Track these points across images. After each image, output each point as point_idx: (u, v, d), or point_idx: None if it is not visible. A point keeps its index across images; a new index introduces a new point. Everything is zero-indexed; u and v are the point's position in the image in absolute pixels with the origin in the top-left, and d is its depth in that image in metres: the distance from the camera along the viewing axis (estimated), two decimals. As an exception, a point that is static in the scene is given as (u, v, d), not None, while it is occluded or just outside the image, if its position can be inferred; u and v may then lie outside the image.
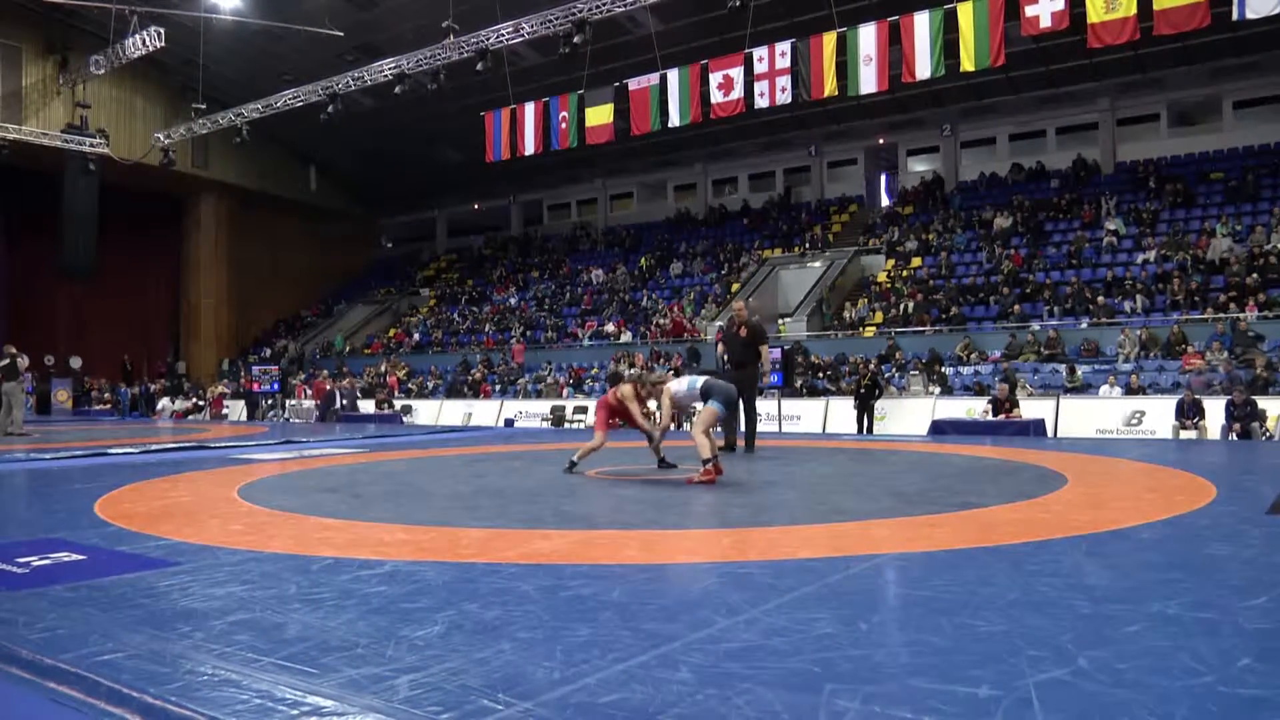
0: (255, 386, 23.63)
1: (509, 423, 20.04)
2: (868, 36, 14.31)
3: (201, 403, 26.53)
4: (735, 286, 25.84)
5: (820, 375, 19.28)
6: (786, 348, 17.38)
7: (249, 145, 23.20)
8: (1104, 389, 15.76)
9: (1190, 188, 21.81)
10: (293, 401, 24.18)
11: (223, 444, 12.43)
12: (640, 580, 3.60)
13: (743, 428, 10.23)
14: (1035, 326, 18.88)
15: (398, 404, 22.65)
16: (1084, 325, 18.55)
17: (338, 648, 2.71)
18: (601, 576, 3.72)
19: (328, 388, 22.58)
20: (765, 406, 17.43)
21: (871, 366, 17.43)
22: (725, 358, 10.54)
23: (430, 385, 25.50)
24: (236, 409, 25.72)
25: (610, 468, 7.89)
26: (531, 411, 20.95)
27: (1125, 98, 24.17)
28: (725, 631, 2.83)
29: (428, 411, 22.54)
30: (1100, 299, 18.80)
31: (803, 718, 2.13)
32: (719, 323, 23.36)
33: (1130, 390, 15.21)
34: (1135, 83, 23.54)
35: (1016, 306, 19.86)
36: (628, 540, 4.59)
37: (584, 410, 19.59)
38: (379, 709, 2.24)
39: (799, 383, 19.25)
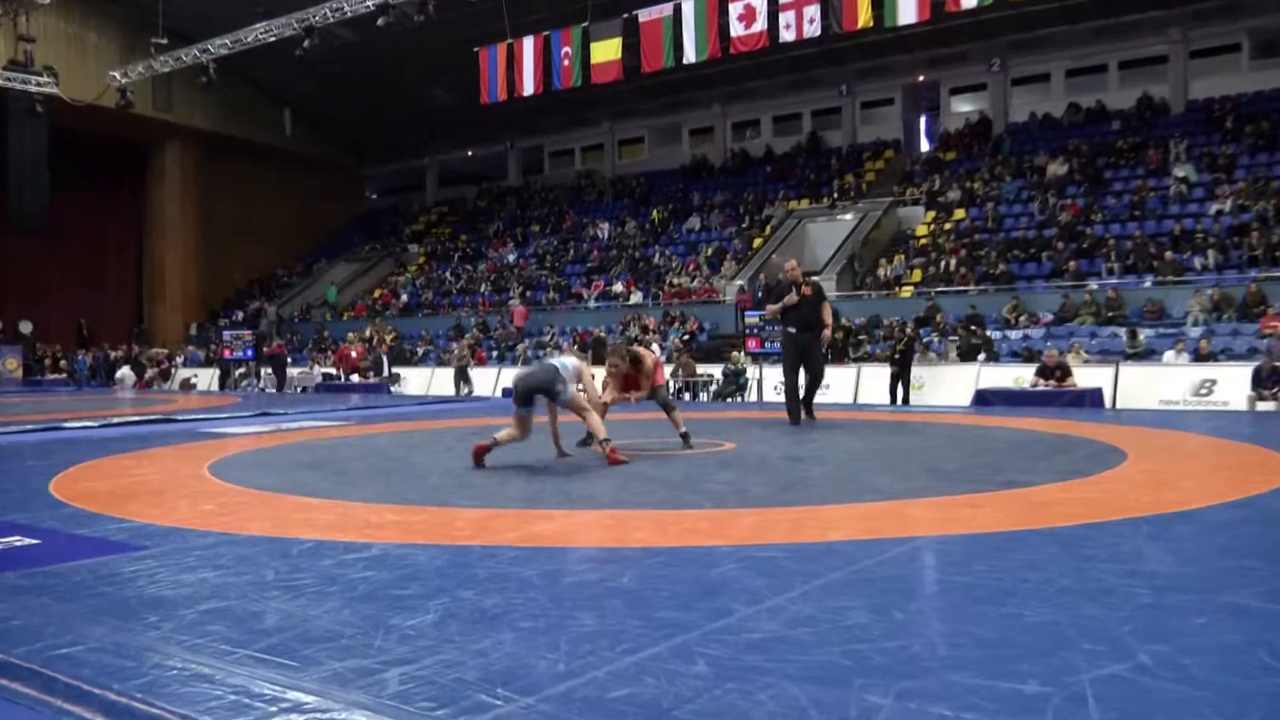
0: (227, 353, 23.72)
1: (508, 392, 20.07)
2: (907, -41, 14.09)
3: (155, 367, 26.71)
4: (757, 242, 25.71)
5: (852, 340, 19.22)
6: (765, 315, 17.27)
7: (217, 86, 23.07)
8: (1169, 355, 15.65)
9: (1275, 128, 21.47)
10: (301, 370, 24.24)
11: (191, 416, 12.51)
12: (652, 565, 3.62)
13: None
14: (1093, 286, 18.74)
15: (397, 371, 22.80)
16: (1148, 284, 18.39)
17: (321, 638, 2.73)
18: (610, 560, 3.73)
19: (353, 355, 22.58)
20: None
21: (909, 330, 17.36)
22: (779, 320, 10.44)
23: (420, 351, 25.57)
24: (206, 379, 25.86)
25: (620, 442, 7.90)
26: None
27: (1199, 26, 23.72)
28: (746, 621, 2.84)
29: (418, 380, 22.60)
30: (1167, 254, 18.63)
31: (831, 715, 2.14)
32: (738, 282, 23.31)
33: (1199, 357, 15.11)
34: (1211, 9, 23.08)
35: (1072, 263, 19.70)
36: (638, 521, 4.60)
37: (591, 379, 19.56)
38: (366, 705, 2.26)
39: (826, 348, 19.20)
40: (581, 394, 7.04)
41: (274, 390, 22.57)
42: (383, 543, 4.09)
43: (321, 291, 33.84)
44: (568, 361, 7.19)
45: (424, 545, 4.05)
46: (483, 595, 3.17)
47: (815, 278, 22.96)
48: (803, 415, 10.13)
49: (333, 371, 23.52)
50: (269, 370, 24.12)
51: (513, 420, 6.90)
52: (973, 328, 18.29)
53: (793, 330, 10.08)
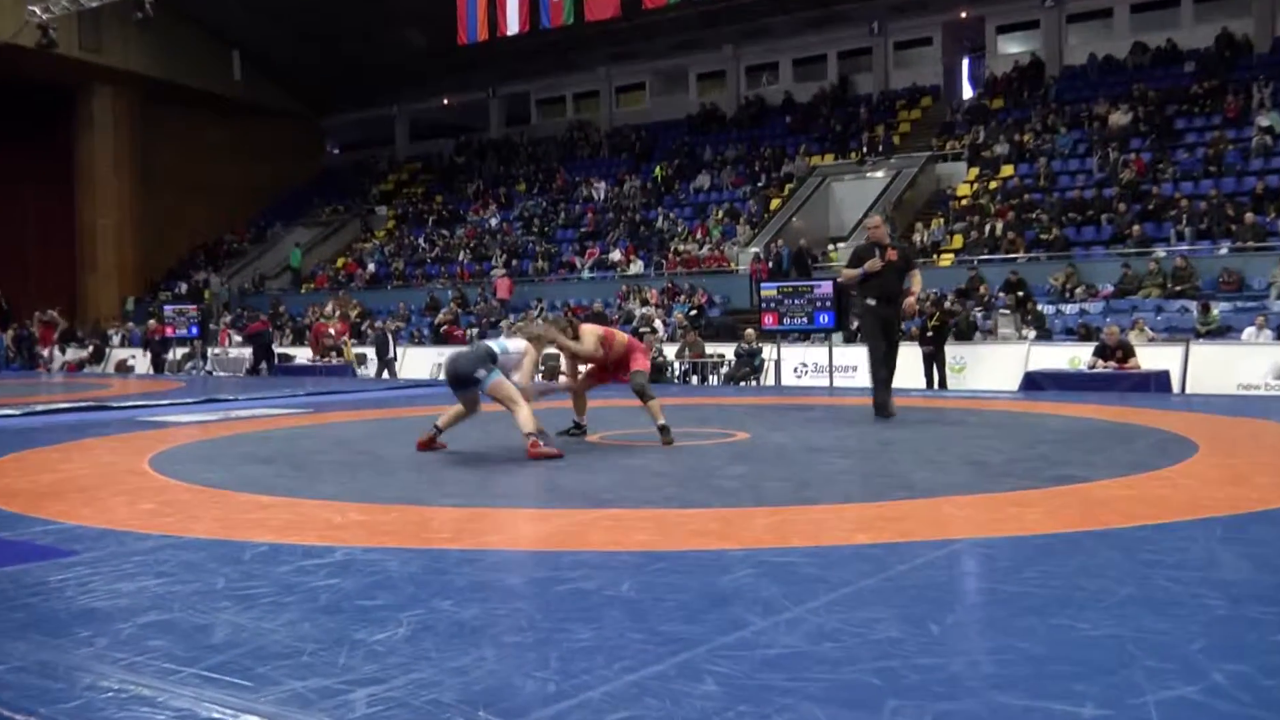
0: (170, 331, 23.70)
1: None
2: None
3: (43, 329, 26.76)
4: (775, 203, 25.68)
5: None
6: (839, 280, 17.26)
7: (154, 25, 22.97)
8: (1249, 332, 15.63)
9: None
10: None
11: (128, 403, 12.52)
12: (655, 571, 3.63)
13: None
14: (1160, 253, 18.70)
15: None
16: (1224, 251, 18.36)
17: (277, 655, 2.74)
18: (607, 566, 3.74)
19: (331, 332, 22.37)
20: (813, 355, 17.43)
21: (949, 303, 17.33)
22: (854, 290, 9.82)
23: (393, 328, 25.54)
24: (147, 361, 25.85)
25: (619, 431, 7.91)
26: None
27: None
28: (762, 635, 2.84)
29: (420, 362, 22.51)
30: (1247, 217, 18.58)
31: (860, 742, 2.15)
32: (753, 250, 23.28)
33: (1282, 334, 15.11)
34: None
35: (1136, 227, 19.67)
36: (639, 521, 4.61)
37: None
38: (329, 730, 2.26)
39: (855, 325, 19.19)
40: (509, 382, 7.02)
41: (250, 373, 22.35)
42: (347, 546, 4.09)
43: (276, 260, 33.81)
44: (510, 345, 7.20)
45: (395, 549, 4.05)
46: (462, 606, 3.18)
47: (842, 243, 23.23)
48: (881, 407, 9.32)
49: (289, 353, 23.47)
50: (215, 351, 24.12)
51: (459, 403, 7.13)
52: (1019, 294, 18.24)
53: (872, 302, 9.41)
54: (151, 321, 25.79)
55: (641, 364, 7.93)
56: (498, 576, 3.55)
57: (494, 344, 7.19)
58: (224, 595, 3.37)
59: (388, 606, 3.19)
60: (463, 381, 7.05)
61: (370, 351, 21.79)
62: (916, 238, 22.25)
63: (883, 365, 9.44)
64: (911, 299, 9.47)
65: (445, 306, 25.49)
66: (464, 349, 7.42)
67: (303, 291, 30.88)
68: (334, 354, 21.93)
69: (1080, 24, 26.70)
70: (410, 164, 37.43)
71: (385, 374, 20.61)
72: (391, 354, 21.13)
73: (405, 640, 2.85)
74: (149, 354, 25.04)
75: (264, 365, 22.01)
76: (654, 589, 3.37)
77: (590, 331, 7.88)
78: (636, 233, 26.96)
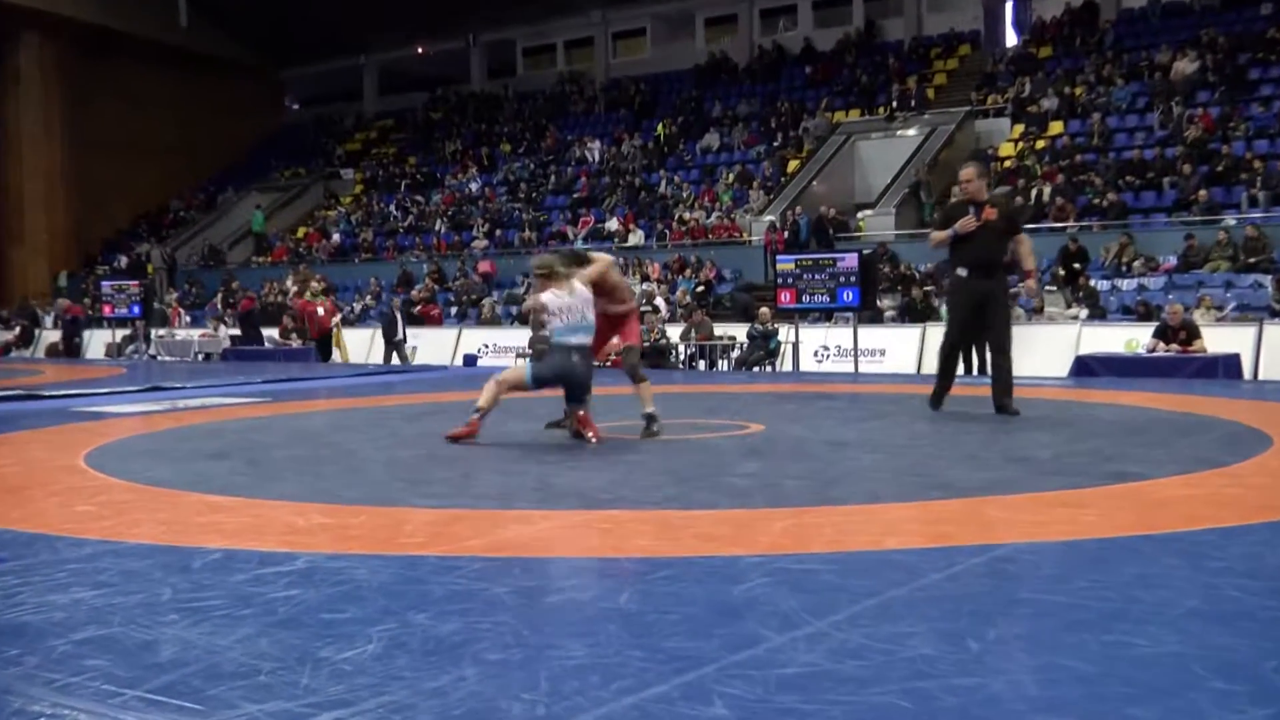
0: (109, 309, 23.66)
1: (470, 360, 20.10)
2: None
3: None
4: (793, 165, 25.64)
5: (916, 292, 19.20)
6: (866, 252, 17.28)
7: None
8: (1329, 311, 15.63)
9: None
10: (203, 331, 24.12)
11: (62, 392, 12.51)
12: (658, 580, 3.63)
13: (958, 373, 9.22)
14: (1229, 221, 18.67)
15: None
16: (1302, 218, 18.34)
17: (232, 674, 2.74)
18: (603, 574, 3.74)
19: (320, 312, 21.91)
20: (836, 337, 17.42)
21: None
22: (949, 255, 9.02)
23: (357, 307, 25.57)
24: (87, 343, 25.87)
25: (616, 423, 7.90)
26: (502, 344, 20.99)
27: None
28: (778, 652, 2.85)
29: (356, 344, 22.58)
30: (1328, 181, 18.57)
31: (889, 772, 2.15)
32: (768, 218, 23.26)
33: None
34: None
35: (1202, 192, 19.63)
36: (640, 525, 4.61)
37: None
38: (289, 759, 2.27)
39: (884, 303, 19.18)
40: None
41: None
42: (310, 553, 4.10)
43: (229, 229, 33.75)
44: (571, 315, 7.14)
45: (364, 556, 4.06)
46: (439, 619, 3.18)
47: (868, 210, 23.20)
48: (1000, 404, 8.60)
49: (237, 333, 23.37)
50: (159, 333, 24.10)
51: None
52: (1075, 266, 18.18)
53: (963, 272, 8.64)
54: (63, 300, 25.83)
55: (635, 335, 7.96)
56: (480, 586, 3.55)
57: (562, 337, 7.13)
58: (171, 608, 3.37)
59: (356, 620, 3.19)
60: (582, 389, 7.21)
61: (375, 333, 21.49)
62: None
63: (956, 350, 9.01)
64: (1031, 280, 8.96)
65: (420, 283, 25.47)
66: (563, 358, 7.16)
67: (254, 265, 30.81)
68: (294, 335, 21.87)
69: (1140, -40, 26.61)
70: (380, 121, 37.36)
71: (395, 358, 20.33)
72: (400, 335, 20.79)
73: (375, 658, 2.85)
74: (63, 337, 25.11)
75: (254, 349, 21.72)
76: (656, 600, 3.37)
77: (609, 275, 7.75)
78: (636, 199, 26.93)
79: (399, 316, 20.92)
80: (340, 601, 3.41)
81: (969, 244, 8.52)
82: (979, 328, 8.93)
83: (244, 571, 3.82)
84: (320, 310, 21.75)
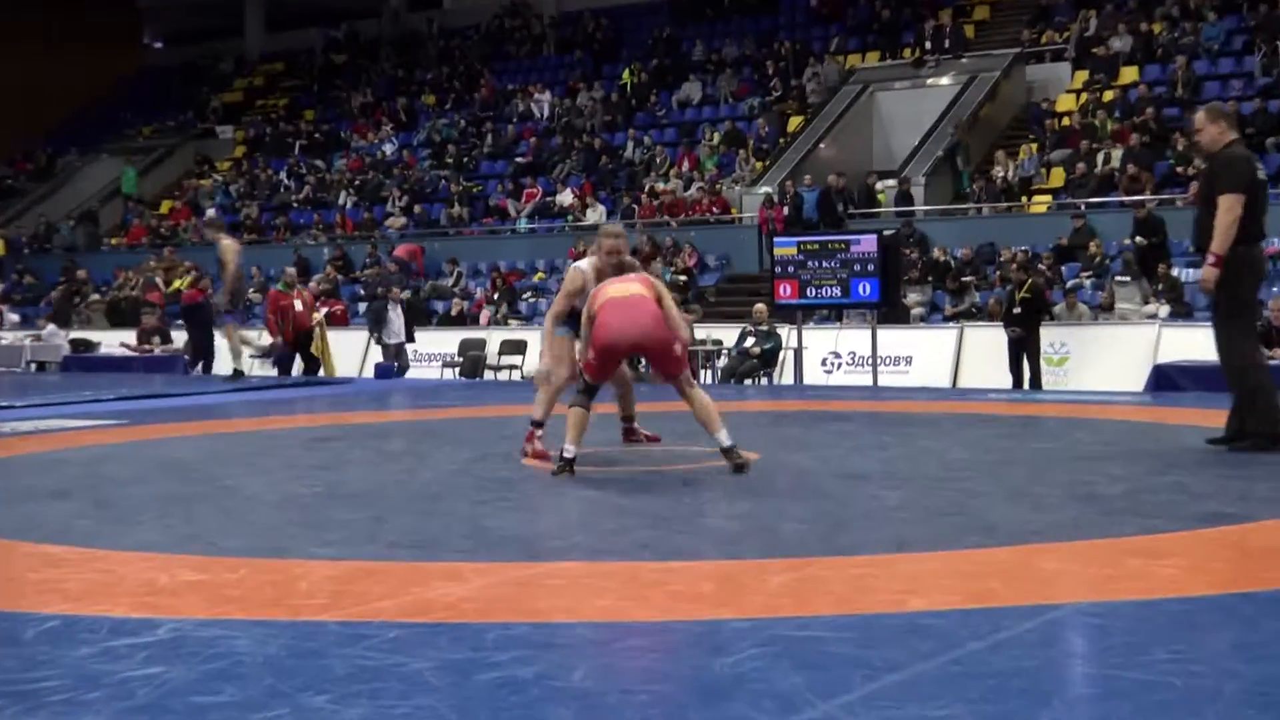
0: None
1: (384, 371, 20.03)
2: None
3: None
4: (795, 122, 25.70)
5: (951, 283, 19.30)
6: (888, 233, 17.34)
7: None
8: None
9: None
10: (30, 334, 23.94)
11: None
12: (623, 651, 3.64)
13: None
14: (1348, 194, 18.84)
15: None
16: None
17: (74, 776, 2.73)
18: (553, 644, 3.74)
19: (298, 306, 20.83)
20: (849, 341, 17.44)
21: (1043, 267, 17.41)
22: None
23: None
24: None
25: (588, 450, 7.90)
26: (426, 350, 20.95)
27: None
28: (776, 743, 2.86)
29: (346, 349, 22.30)
30: None
31: None
32: (764, 189, 23.27)
33: None
34: None
35: (1317, 156, 19.83)
36: (601, 580, 4.62)
37: (520, 347, 19.54)
38: None
39: (911, 298, 19.26)
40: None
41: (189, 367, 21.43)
42: (176, 619, 4.07)
43: (71, 201, 33.43)
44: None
45: (247, 622, 4.04)
46: (343, 703, 3.18)
47: (890, 180, 23.10)
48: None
49: (88, 338, 23.21)
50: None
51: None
52: (1153, 248, 18.21)
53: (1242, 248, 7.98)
54: None
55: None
56: (395, 660, 3.55)
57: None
58: (-3, 690, 3.36)
59: (235, 705, 3.18)
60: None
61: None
62: (997, 172, 22.25)
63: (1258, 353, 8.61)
64: (1210, 267, 8.05)
65: (319, 272, 25.31)
66: None
67: (103, 249, 30.62)
68: (157, 338, 21.70)
69: None
70: (268, 64, 37.27)
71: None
72: (401, 335, 20.38)
73: (262, 753, 2.86)
74: None
75: (201, 361, 20.66)
76: (620, 677, 3.38)
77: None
78: (595, 165, 26.93)
79: (394, 309, 20.15)
80: (215, 681, 3.39)
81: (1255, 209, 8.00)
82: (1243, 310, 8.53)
83: (90, 643, 3.80)
84: (298, 304, 19.19)
